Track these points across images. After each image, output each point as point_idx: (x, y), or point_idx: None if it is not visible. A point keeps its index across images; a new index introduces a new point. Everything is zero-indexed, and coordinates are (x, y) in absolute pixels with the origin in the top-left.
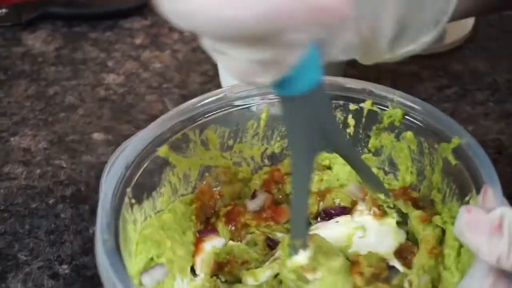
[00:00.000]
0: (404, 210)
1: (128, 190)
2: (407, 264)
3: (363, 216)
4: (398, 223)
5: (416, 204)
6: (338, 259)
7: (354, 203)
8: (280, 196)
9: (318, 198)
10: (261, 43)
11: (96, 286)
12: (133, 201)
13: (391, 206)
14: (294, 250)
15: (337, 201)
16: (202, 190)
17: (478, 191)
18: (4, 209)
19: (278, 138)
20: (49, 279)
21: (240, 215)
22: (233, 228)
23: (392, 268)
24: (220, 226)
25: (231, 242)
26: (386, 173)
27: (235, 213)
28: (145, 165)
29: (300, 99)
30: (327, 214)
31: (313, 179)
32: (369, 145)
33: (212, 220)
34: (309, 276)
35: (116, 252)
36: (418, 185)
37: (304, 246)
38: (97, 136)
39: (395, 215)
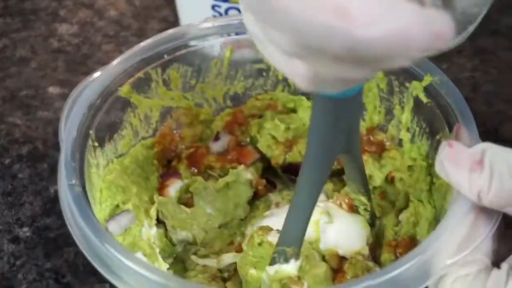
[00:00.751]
0: (377, 213)
1: (91, 132)
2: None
3: (326, 203)
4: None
5: (382, 145)
6: (322, 266)
7: None
8: (244, 138)
9: (285, 149)
10: (362, 64)
11: (60, 248)
12: (96, 143)
13: (368, 209)
14: (284, 258)
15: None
16: (163, 133)
17: (450, 130)
18: None
19: (242, 78)
20: (9, 243)
21: (202, 157)
22: (195, 170)
23: None
24: (182, 169)
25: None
26: None
27: (198, 155)
28: (107, 106)
29: (341, 101)
30: (293, 168)
31: (281, 129)
32: None
33: (174, 163)
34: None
35: (84, 197)
36: (386, 124)
37: (297, 255)
38: (53, 90)
39: (368, 217)
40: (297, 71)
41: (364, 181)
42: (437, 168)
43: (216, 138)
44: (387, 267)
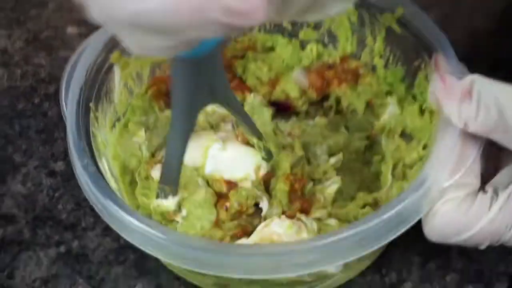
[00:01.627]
0: (273, 149)
1: (91, 104)
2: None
3: (225, 133)
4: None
5: (356, 73)
6: (201, 192)
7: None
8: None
9: (270, 89)
10: (169, 35)
11: None
12: (97, 114)
13: (261, 147)
14: (163, 194)
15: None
16: (155, 77)
17: (429, 57)
18: None
19: None
20: (47, 177)
21: None
22: None
23: (257, 206)
24: None
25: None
26: (325, 45)
27: None
28: (101, 76)
29: (193, 60)
30: (277, 105)
31: (264, 70)
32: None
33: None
34: (176, 217)
35: (99, 175)
36: (359, 52)
37: (174, 192)
38: (71, 30)
39: (263, 153)
40: (123, 40)
41: (251, 128)
42: (430, 98)
43: None
44: (390, 202)
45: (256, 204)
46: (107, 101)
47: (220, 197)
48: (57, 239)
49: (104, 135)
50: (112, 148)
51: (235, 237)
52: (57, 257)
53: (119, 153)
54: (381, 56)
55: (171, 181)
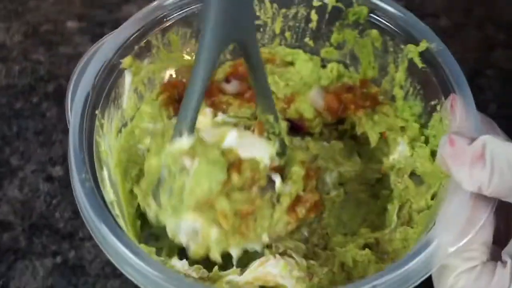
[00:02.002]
0: (286, 142)
1: (97, 112)
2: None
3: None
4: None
5: (375, 99)
6: (216, 151)
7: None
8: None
9: (285, 106)
10: None
11: None
12: (102, 121)
13: (276, 133)
14: (179, 132)
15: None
16: (167, 82)
17: (446, 98)
18: None
19: None
20: (44, 182)
21: (215, 94)
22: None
23: (270, 183)
24: None
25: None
26: (347, 66)
27: (211, 91)
28: (110, 81)
29: None
30: (292, 123)
31: (280, 85)
32: (331, 39)
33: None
34: (188, 162)
35: (96, 191)
36: (380, 79)
37: (190, 131)
38: (71, 24)
39: (277, 143)
40: None
41: (267, 100)
42: (438, 162)
43: (227, 80)
44: (393, 264)
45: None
46: (114, 106)
47: (233, 166)
48: (53, 249)
49: (108, 143)
50: (116, 155)
51: (238, 214)
52: (53, 268)
53: (122, 159)
54: (401, 87)
55: (188, 119)
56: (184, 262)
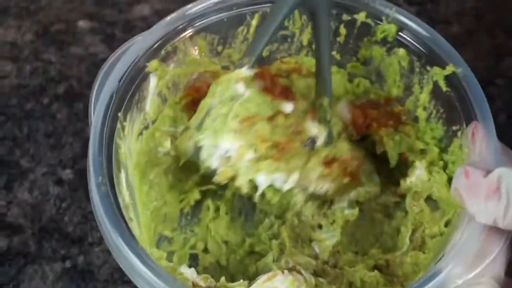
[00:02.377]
0: (335, 133)
1: (120, 114)
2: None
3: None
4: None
5: (398, 119)
6: (268, 97)
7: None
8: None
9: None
10: None
11: None
12: (124, 123)
13: (328, 119)
14: (240, 65)
15: None
16: (191, 88)
17: (468, 124)
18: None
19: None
20: (54, 186)
21: None
22: None
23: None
24: None
25: None
26: (372, 82)
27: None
28: (135, 84)
29: None
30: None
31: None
32: (359, 55)
33: None
34: (241, 88)
35: (111, 196)
36: (404, 98)
37: (251, 65)
38: (82, 24)
39: (326, 135)
40: None
41: (324, 79)
42: (452, 194)
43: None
44: None
45: None
46: (137, 109)
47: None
48: (63, 254)
49: (128, 145)
50: (135, 157)
51: (276, 146)
52: (62, 272)
53: (141, 162)
54: (424, 108)
55: (254, 53)
56: (193, 270)
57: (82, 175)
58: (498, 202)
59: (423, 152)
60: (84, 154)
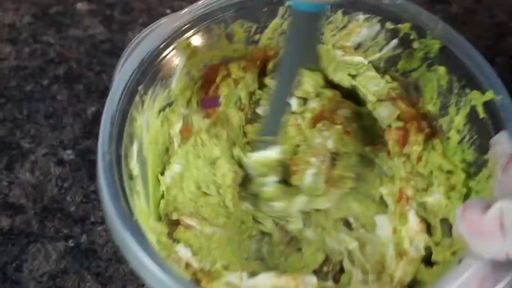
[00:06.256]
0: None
1: (140, 87)
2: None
3: None
4: None
5: (435, 128)
6: None
7: None
8: None
9: None
10: None
11: None
12: (145, 97)
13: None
14: (264, 146)
15: None
16: (211, 67)
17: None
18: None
19: None
20: (56, 166)
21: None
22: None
23: None
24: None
25: None
26: (409, 95)
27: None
28: (160, 59)
29: (311, 15)
30: None
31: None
32: (398, 66)
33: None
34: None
35: (114, 168)
36: (438, 117)
37: (275, 143)
38: (81, 6)
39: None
40: None
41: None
42: (454, 233)
43: None
44: None
45: None
46: (161, 85)
47: None
48: (65, 233)
49: (147, 120)
50: (153, 132)
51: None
52: (65, 251)
53: (159, 139)
54: (458, 131)
55: (275, 130)
56: (188, 250)
57: (83, 155)
58: (507, 237)
59: (449, 173)
60: (85, 135)
